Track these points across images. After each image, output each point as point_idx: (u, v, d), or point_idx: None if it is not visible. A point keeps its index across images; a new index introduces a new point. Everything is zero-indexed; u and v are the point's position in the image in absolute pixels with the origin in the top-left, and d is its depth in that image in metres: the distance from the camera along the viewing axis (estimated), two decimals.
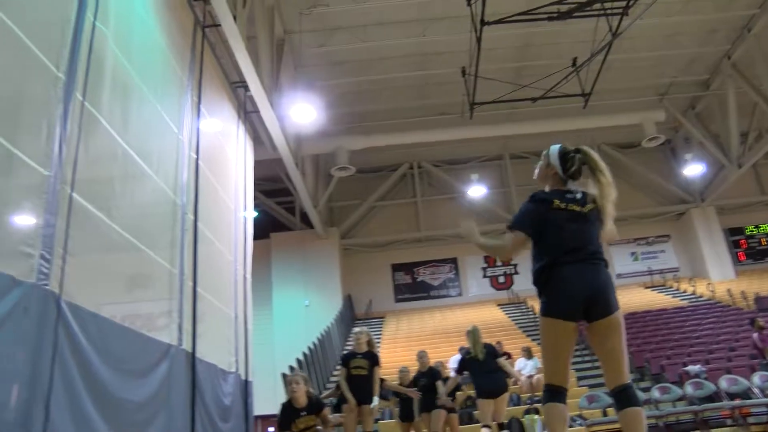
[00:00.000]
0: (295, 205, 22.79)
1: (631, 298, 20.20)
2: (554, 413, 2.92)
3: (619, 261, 23.09)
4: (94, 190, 6.69)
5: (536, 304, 20.05)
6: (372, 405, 6.56)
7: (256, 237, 13.80)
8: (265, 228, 21.13)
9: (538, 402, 10.58)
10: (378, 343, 17.81)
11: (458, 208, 23.19)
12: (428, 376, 8.07)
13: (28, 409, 5.10)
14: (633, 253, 23.42)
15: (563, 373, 2.99)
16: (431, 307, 22.42)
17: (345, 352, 7.18)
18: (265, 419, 18.55)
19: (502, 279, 23.23)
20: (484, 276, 23.45)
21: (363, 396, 6.46)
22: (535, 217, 3.14)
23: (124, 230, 7.16)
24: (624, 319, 3.07)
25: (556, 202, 3.11)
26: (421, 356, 8.26)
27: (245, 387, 10.75)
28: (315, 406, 5.78)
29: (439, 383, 7.90)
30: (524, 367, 11.47)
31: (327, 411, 5.98)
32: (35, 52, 5.48)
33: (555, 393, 2.95)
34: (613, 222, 3.21)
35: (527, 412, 9.83)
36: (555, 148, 3.30)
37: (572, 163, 3.18)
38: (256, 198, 17.16)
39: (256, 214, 17.41)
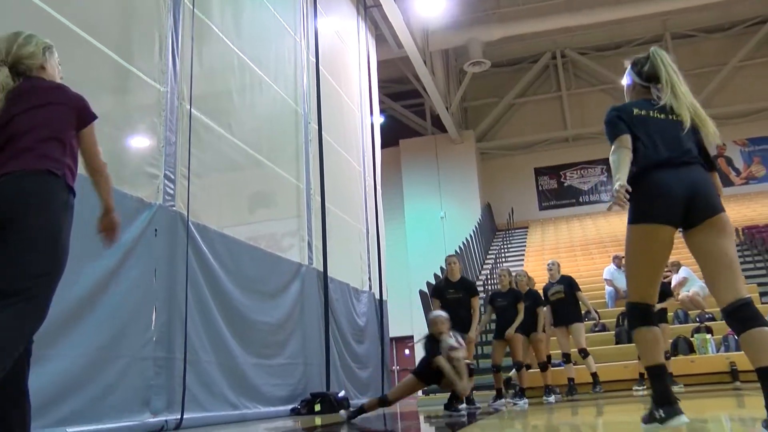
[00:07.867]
0: (425, 107, 22.53)
1: None
2: (649, 339, 2.76)
3: None
4: (213, 104, 6.87)
5: None
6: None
7: (384, 145, 13.84)
8: (393, 134, 21.06)
9: (709, 320, 10.06)
10: (522, 255, 17.62)
11: (609, 101, 21.94)
12: (565, 284, 8.31)
13: (169, 329, 5.51)
14: None
15: (654, 289, 2.86)
16: (581, 215, 21.70)
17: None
18: (401, 341, 18.68)
19: None
20: None
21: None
22: (625, 121, 2.99)
23: (246, 145, 7.36)
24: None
25: (636, 110, 2.98)
26: (551, 267, 8.65)
27: (380, 306, 11.06)
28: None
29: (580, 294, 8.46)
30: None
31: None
32: None
33: (644, 314, 2.80)
34: (712, 125, 2.94)
35: (697, 330, 9.41)
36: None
37: (642, 64, 3.06)
38: (382, 102, 17.19)
39: (382, 119, 17.47)
